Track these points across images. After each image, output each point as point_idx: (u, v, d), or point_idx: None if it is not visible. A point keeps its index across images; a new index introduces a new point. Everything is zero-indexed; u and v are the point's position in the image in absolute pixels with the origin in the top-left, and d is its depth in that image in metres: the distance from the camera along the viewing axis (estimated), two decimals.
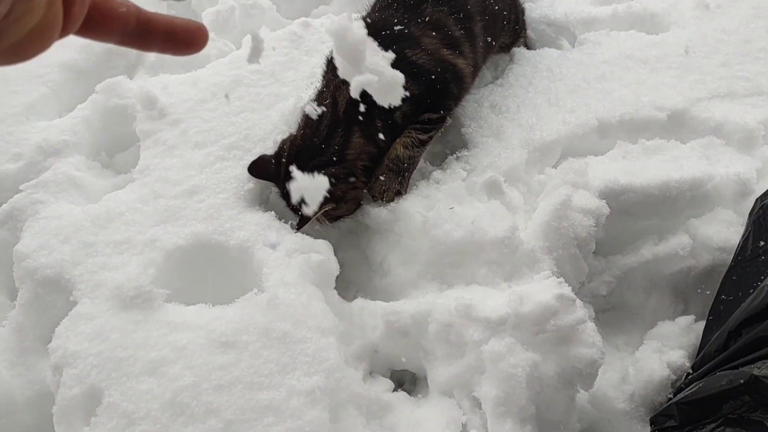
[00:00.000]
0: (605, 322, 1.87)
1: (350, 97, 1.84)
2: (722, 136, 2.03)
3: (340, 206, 1.85)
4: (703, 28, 2.43)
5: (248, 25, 2.65)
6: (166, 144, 2.05)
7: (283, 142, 1.94)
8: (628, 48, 2.36)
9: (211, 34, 2.57)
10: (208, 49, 2.50)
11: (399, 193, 1.90)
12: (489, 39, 2.15)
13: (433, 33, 1.97)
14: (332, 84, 1.93)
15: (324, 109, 1.85)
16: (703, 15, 2.50)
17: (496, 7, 2.19)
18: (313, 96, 1.99)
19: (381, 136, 1.86)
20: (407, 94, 1.84)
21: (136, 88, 2.24)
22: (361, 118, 1.83)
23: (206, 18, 2.70)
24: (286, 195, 1.84)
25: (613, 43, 2.39)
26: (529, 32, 2.55)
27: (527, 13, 2.52)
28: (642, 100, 2.12)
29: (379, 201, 1.89)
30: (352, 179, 1.86)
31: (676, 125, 2.09)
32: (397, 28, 1.95)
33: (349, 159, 1.86)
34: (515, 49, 2.39)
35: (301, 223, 1.83)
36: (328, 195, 1.71)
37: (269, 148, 2.03)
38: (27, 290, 1.72)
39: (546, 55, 2.37)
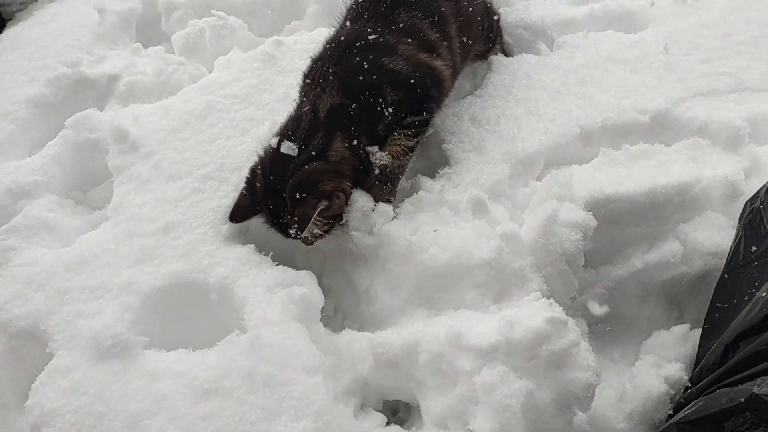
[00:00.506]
0: (599, 334, 1.83)
1: (332, 103, 1.82)
2: (707, 136, 1.99)
3: (332, 203, 1.76)
4: (682, 24, 2.40)
5: (220, 46, 2.60)
6: (140, 179, 2.00)
7: (252, 168, 1.87)
8: (607, 49, 2.32)
9: (182, 59, 2.56)
10: (180, 74, 2.45)
11: (388, 202, 1.86)
12: (465, 39, 2.12)
13: (409, 39, 1.94)
14: (311, 93, 1.88)
15: (299, 121, 1.82)
16: (681, 10, 2.47)
17: (470, 9, 2.16)
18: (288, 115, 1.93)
19: (363, 147, 1.82)
20: (390, 110, 1.83)
21: (107, 121, 2.19)
22: (343, 123, 1.80)
23: (176, 41, 2.65)
24: (274, 214, 1.77)
25: (591, 45, 2.36)
26: (506, 37, 2.51)
27: (503, 18, 2.48)
28: (623, 103, 2.08)
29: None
30: (336, 177, 1.78)
31: (660, 127, 2.05)
32: (371, 37, 1.92)
33: (331, 160, 1.79)
34: (493, 57, 2.35)
35: (301, 225, 1.72)
36: (317, 193, 1.70)
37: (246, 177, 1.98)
38: (1, 343, 1.67)
39: (524, 62, 2.32)
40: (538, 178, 1.96)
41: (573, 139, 2.01)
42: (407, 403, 1.73)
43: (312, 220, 1.69)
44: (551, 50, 2.42)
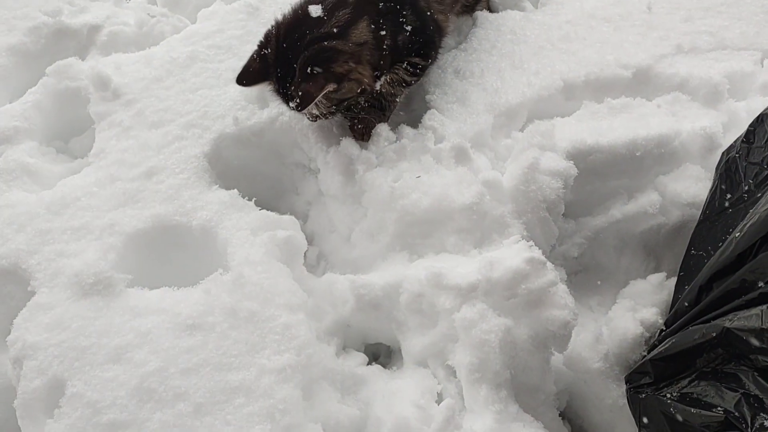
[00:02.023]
0: (578, 283, 1.86)
1: None
2: (687, 92, 2.02)
3: (341, 87, 1.73)
4: None
5: None
6: (122, 125, 1.99)
7: (267, 33, 1.82)
8: (591, 7, 2.33)
9: (164, 10, 2.53)
10: (162, 25, 2.42)
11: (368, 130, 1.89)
12: None
13: None
14: None
15: None
16: None
17: None
18: None
19: (386, 42, 1.80)
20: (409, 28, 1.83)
21: (88, 69, 2.17)
22: (372, 11, 1.78)
23: None
24: (281, 82, 1.73)
25: (575, 3, 2.36)
26: None
27: None
28: (607, 58, 2.10)
29: (358, 138, 1.88)
30: (353, 60, 1.74)
31: (642, 83, 2.07)
32: None
33: (353, 40, 1.76)
34: (478, 13, 2.34)
35: (303, 101, 1.68)
36: (328, 73, 1.68)
37: (229, 125, 1.98)
38: None
39: (509, 18, 2.32)
40: (521, 130, 1.97)
41: (556, 92, 2.03)
42: (388, 347, 1.75)
43: (316, 99, 1.67)
44: (536, 7, 2.42)
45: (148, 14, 2.49)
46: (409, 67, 1.91)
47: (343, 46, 1.73)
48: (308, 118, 1.83)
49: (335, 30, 1.74)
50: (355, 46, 1.75)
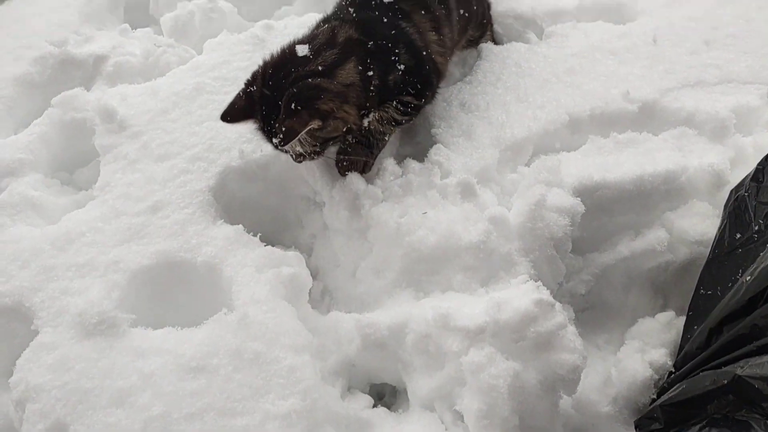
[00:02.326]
0: (585, 321, 1.84)
1: (350, 35, 1.80)
2: (694, 126, 2.01)
3: (326, 125, 1.70)
4: (671, 16, 2.42)
5: (209, 29, 2.58)
6: (127, 158, 1.98)
7: (253, 73, 1.81)
8: (596, 39, 2.34)
9: (171, 41, 2.54)
10: (169, 56, 2.43)
11: (366, 165, 1.87)
12: (463, 12, 2.14)
13: (422, 11, 1.96)
14: (328, 23, 1.88)
15: (315, 37, 1.79)
16: (670, 3, 2.49)
17: None
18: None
19: (374, 84, 1.80)
20: (401, 67, 1.83)
21: (94, 100, 2.17)
22: (360, 52, 1.77)
23: (165, 23, 2.63)
24: (265, 119, 1.71)
25: (580, 35, 2.36)
26: (496, 26, 2.51)
27: (493, 7, 2.48)
28: (612, 92, 2.10)
29: (341, 172, 1.86)
30: (338, 99, 1.72)
31: (648, 117, 2.06)
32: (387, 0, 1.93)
33: (339, 80, 1.74)
34: (483, 45, 2.35)
35: (286, 137, 1.65)
36: (312, 110, 1.65)
37: (234, 159, 1.97)
38: None
39: (514, 50, 2.33)
40: (527, 164, 1.97)
41: (561, 126, 2.02)
42: (393, 387, 1.73)
43: (299, 135, 1.64)
44: (540, 39, 2.43)
45: (155, 44, 2.49)
46: (399, 106, 1.88)
47: (328, 85, 1.72)
48: (293, 158, 1.79)
49: (321, 68, 1.73)
50: (341, 86, 1.74)
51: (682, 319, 1.69)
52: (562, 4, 2.56)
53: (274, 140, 1.71)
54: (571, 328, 1.50)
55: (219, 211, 1.86)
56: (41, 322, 1.59)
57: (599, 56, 2.26)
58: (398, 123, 1.91)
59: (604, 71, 2.20)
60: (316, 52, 1.76)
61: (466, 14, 2.17)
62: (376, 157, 1.91)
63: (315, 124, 1.66)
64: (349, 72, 1.77)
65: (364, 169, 1.88)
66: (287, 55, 1.78)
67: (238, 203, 1.98)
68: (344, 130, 1.76)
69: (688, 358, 1.52)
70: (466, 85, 2.18)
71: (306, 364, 1.48)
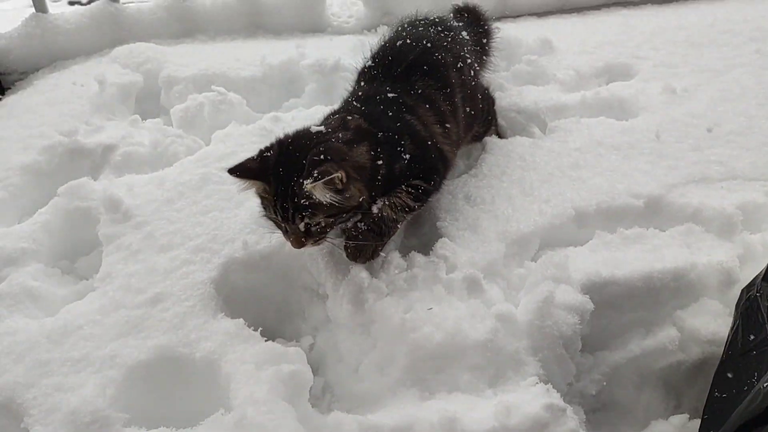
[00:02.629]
0: (597, 422, 1.78)
1: (360, 125, 1.83)
2: (701, 223, 2.00)
3: (347, 186, 1.67)
4: (672, 112, 2.46)
5: (218, 120, 2.62)
6: (130, 249, 1.97)
7: (271, 143, 1.80)
8: (599, 134, 2.36)
9: (179, 131, 2.57)
10: (177, 146, 2.46)
11: (375, 251, 1.86)
12: (469, 110, 2.17)
13: (427, 105, 2.00)
14: (340, 115, 1.92)
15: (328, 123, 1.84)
16: (670, 100, 2.53)
17: (473, 83, 2.22)
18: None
19: (381, 173, 1.81)
20: (406, 157, 1.84)
21: (100, 189, 2.18)
22: (371, 139, 1.80)
23: (175, 114, 2.67)
24: (284, 180, 1.67)
25: (583, 130, 2.40)
26: (500, 120, 2.55)
27: (497, 102, 2.53)
28: (617, 187, 2.10)
29: (350, 259, 1.84)
30: (354, 171, 1.71)
31: (654, 212, 2.06)
32: (391, 95, 1.97)
33: (355, 155, 1.74)
34: (487, 138, 2.38)
35: (316, 182, 1.58)
36: (339, 163, 1.63)
37: (237, 250, 1.96)
38: None
39: (518, 144, 2.36)
40: (533, 259, 1.95)
41: (568, 220, 2.02)
42: None
43: (321, 185, 1.59)
44: (544, 134, 2.46)
45: (163, 135, 2.52)
46: (410, 190, 1.88)
47: (348, 152, 1.73)
48: (296, 239, 1.73)
49: (341, 139, 1.76)
50: (356, 162, 1.75)
51: (696, 422, 1.62)
52: (565, 99, 2.60)
53: (296, 199, 1.66)
54: None
55: (220, 303, 1.83)
56: (32, 420, 1.54)
57: (603, 151, 2.28)
58: (411, 209, 1.90)
59: (608, 166, 2.21)
60: (332, 130, 1.79)
61: (472, 112, 2.21)
62: (385, 244, 1.90)
63: (342, 174, 1.64)
64: (362, 153, 1.78)
65: (372, 255, 1.87)
66: (303, 132, 1.81)
67: (241, 294, 1.95)
68: (356, 204, 1.74)
69: None
70: (471, 178, 2.19)
71: None
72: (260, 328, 1.77)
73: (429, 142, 1.95)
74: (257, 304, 1.98)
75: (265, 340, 1.74)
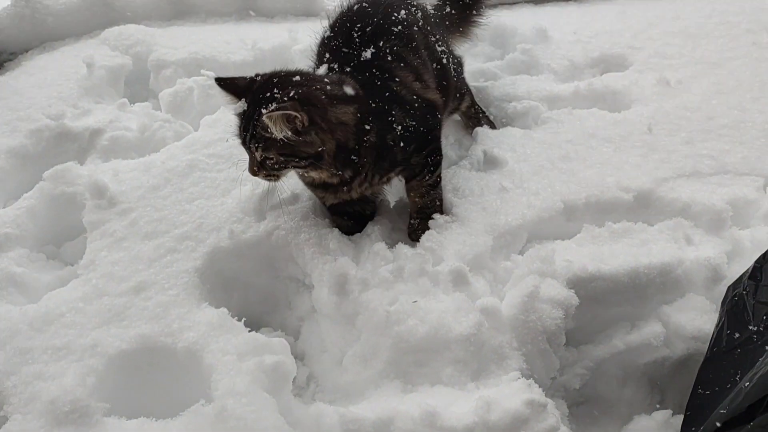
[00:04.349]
0: (579, 416, 1.78)
1: (359, 90, 1.78)
2: (690, 218, 1.99)
3: (308, 130, 1.68)
4: (665, 105, 2.43)
5: (207, 105, 2.59)
6: (114, 236, 1.96)
7: (264, 73, 1.80)
8: (591, 126, 2.34)
9: (168, 116, 2.54)
10: (165, 131, 2.43)
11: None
12: (436, 65, 2.12)
13: (402, 64, 1.95)
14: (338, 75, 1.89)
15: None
16: (664, 92, 2.50)
17: (437, 43, 2.17)
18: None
19: (367, 137, 1.80)
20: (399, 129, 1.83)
21: (86, 176, 2.16)
22: (359, 100, 1.79)
23: (163, 98, 2.64)
24: (253, 104, 1.69)
25: (575, 122, 2.37)
26: (492, 110, 2.53)
27: (489, 91, 2.51)
28: (607, 180, 2.08)
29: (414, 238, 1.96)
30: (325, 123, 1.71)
31: (643, 206, 2.04)
32: (365, 59, 1.92)
33: (333, 109, 1.73)
34: (478, 129, 2.36)
35: (271, 115, 1.61)
36: (305, 107, 1.63)
37: (223, 239, 1.94)
38: None
39: (509, 134, 2.33)
40: (521, 252, 1.94)
41: (556, 213, 2.00)
42: None
43: (279, 119, 1.61)
44: (536, 124, 2.43)
45: (151, 119, 2.49)
46: (420, 177, 1.96)
47: (325, 103, 1.72)
48: (251, 167, 1.75)
49: (329, 89, 1.75)
50: (332, 115, 1.74)
51: (679, 418, 1.63)
52: (558, 90, 2.58)
53: (252, 125, 1.68)
54: (565, 429, 1.44)
55: (204, 293, 1.82)
56: (11, 408, 1.53)
57: (594, 143, 2.26)
58: (436, 185, 2.00)
59: (599, 159, 2.19)
60: (328, 82, 1.78)
61: (440, 68, 2.15)
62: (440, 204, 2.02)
63: (303, 117, 1.64)
64: (346, 112, 1.76)
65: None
66: (297, 71, 1.81)
67: (226, 281, 1.95)
68: (310, 154, 1.73)
69: None
70: (461, 170, 2.17)
71: None
72: (244, 318, 1.77)
73: (418, 106, 1.92)
74: (243, 292, 1.98)
75: (249, 331, 1.73)
